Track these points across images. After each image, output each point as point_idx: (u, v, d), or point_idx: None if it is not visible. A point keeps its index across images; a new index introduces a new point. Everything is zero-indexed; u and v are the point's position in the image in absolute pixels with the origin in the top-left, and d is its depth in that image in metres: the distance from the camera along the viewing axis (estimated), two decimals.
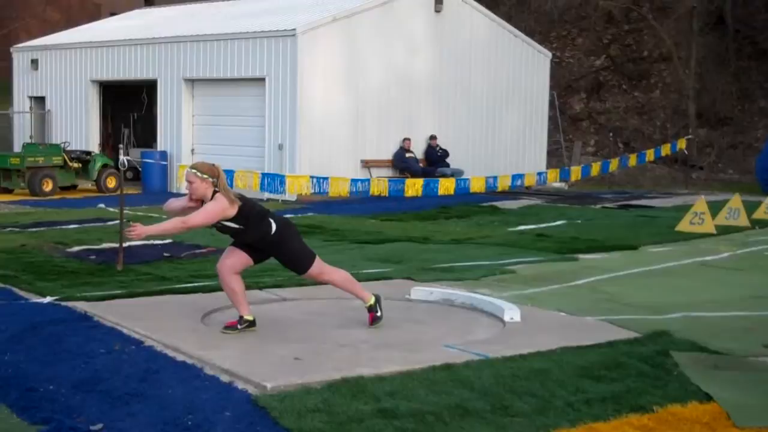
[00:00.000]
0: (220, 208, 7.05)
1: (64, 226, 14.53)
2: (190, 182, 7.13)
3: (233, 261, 7.33)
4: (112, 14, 41.11)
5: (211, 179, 7.11)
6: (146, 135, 26.31)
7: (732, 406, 5.54)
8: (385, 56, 22.53)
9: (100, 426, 5.07)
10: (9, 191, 21.63)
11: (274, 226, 7.26)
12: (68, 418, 5.18)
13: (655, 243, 13.42)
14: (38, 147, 22.85)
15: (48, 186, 21.31)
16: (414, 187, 19.95)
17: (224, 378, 5.95)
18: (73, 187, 22.62)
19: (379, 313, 7.60)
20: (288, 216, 16.22)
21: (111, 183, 22.42)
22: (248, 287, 8.90)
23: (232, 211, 7.10)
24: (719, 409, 5.51)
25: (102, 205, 18.25)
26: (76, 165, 22.42)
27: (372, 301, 7.62)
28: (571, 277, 10.32)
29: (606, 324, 7.84)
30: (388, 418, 5.17)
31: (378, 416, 5.19)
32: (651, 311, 8.46)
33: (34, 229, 14.06)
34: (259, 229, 7.21)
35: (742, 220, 15.66)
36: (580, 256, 12.03)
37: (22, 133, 27.30)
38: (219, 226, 7.22)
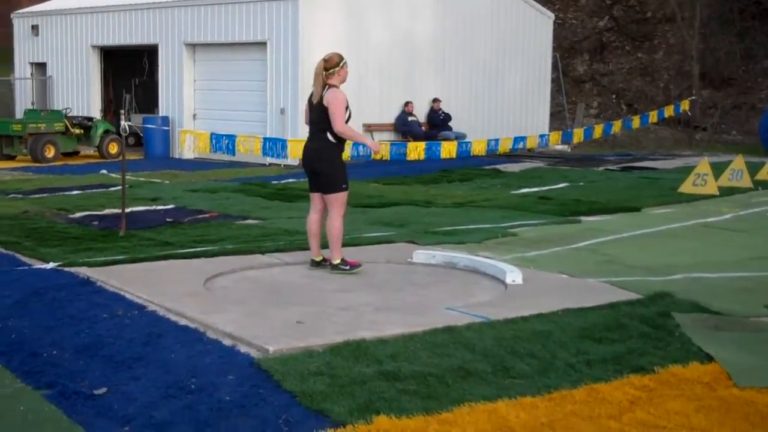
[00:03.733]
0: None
1: (66, 193, 14.57)
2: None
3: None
4: None
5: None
6: (148, 100, 26.26)
7: (733, 366, 5.56)
8: (387, 19, 22.43)
9: (104, 390, 5.11)
10: (11, 158, 21.66)
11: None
12: (72, 383, 5.22)
13: (658, 205, 13.45)
14: (40, 113, 22.88)
15: (50, 152, 21.33)
16: (416, 150, 19.91)
17: (227, 342, 5.96)
18: (75, 153, 22.64)
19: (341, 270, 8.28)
20: (290, 181, 16.41)
21: (113, 149, 22.43)
22: (250, 251, 9.02)
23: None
24: (720, 369, 5.53)
25: (104, 171, 18.26)
26: (77, 131, 22.43)
27: (338, 261, 8.30)
28: (574, 240, 10.32)
29: (607, 285, 7.85)
30: (390, 380, 5.20)
31: (380, 378, 5.22)
32: (653, 273, 8.46)
33: (36, 196, 14.09)
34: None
35: (745, 181, 15.68)
36: (583, 218, 12.04)
37: (23, 99, 27.28)
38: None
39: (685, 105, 27.28)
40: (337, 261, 8.29)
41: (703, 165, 14.99)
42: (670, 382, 5.32)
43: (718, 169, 15.70)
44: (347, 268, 8.26)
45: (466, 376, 5.33)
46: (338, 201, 8.29)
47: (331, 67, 8.17)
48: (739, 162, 16.01)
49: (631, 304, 7.10)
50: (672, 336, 6.22)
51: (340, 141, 8.26)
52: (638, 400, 5.01)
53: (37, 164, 20.58)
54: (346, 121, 8.14)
